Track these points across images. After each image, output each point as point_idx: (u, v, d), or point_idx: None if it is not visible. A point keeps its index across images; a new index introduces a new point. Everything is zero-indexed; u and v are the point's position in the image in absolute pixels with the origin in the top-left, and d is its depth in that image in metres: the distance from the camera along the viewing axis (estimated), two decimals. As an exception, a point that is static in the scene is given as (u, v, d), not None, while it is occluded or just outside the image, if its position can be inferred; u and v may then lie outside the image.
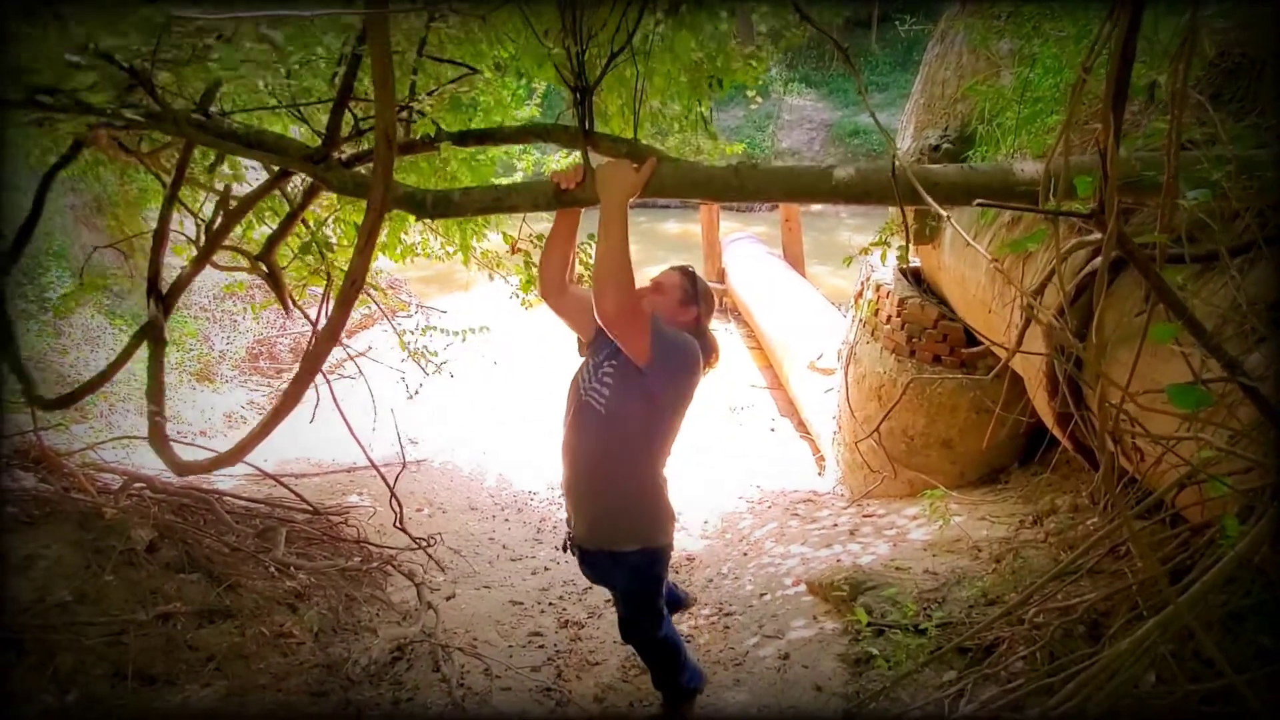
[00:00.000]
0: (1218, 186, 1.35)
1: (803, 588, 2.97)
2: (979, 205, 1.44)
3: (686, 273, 2.05)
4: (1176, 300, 1.18)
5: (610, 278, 1.69)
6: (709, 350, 2.04)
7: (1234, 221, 1.58)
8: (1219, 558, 1.16)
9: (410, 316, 6.13)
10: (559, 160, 3.38)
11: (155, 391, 2.14)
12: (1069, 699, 1.24)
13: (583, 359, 2.02)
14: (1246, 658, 1.25)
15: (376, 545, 3.33)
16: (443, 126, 2.17)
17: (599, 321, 1.77)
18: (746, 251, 8.27)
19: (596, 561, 2.02)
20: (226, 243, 2.49)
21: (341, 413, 3.23)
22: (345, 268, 3.26)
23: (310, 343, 3.21)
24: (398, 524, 3.20)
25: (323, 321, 3.31)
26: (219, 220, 2.37)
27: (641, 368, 1.79)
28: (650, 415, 1.88)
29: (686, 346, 1.88)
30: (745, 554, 3.67)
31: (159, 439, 2.08)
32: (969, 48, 3.10)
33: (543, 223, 2.31)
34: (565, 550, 2.10)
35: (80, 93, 1.55)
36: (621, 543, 1.93)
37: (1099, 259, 1.94)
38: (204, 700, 2.01)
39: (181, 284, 2.34)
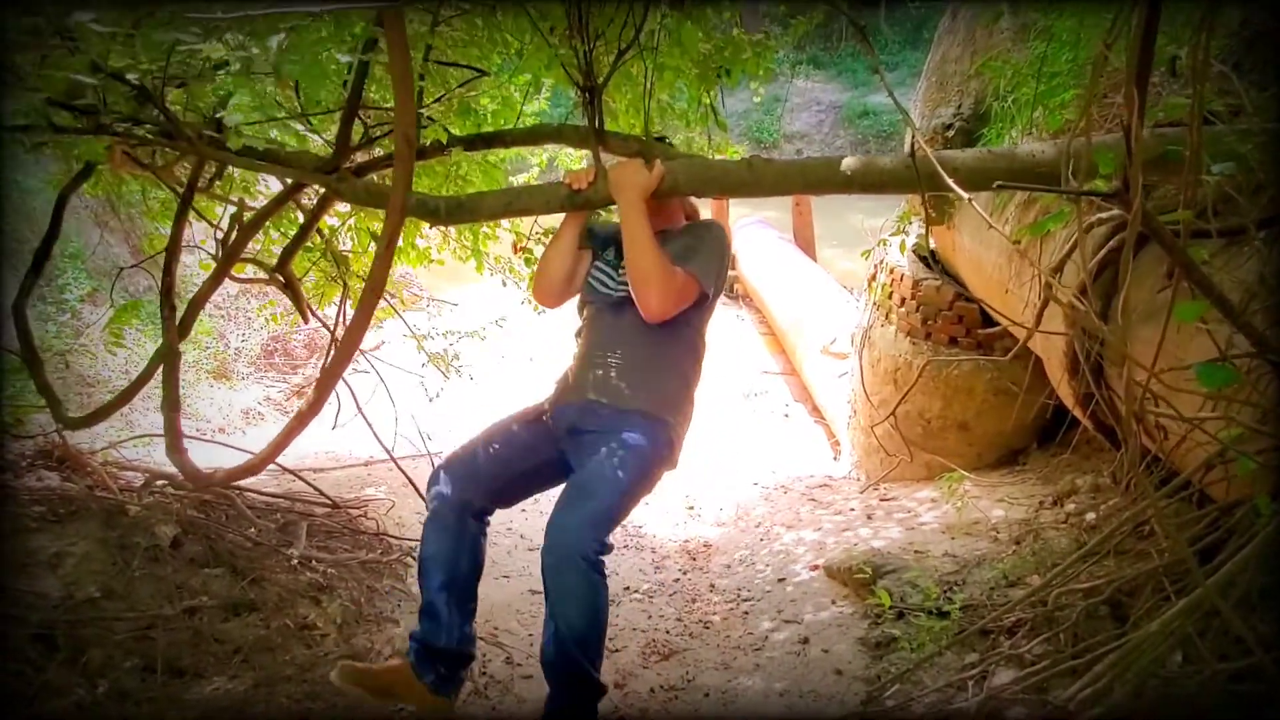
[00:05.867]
0: (1244, 160, 1.32)
1: (820, 572, 2.98)
2: (998, 187, 1.42)
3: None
4: (1204, 277, 1.16)
5: (649, 279, 1.67)
6: None
7: (1258, 194, 1.55)
8: (1250, 537, 1.14)
9: (422, 310, 6.14)
10: (571, 157, 3.38)
11: (171, 401, 2.16)
12: (1095, 681, 1.23)
13: (586, 266, 1.90)
14: (1276, 634, 1.24)
15: (396, 537, 3.36)
16: (453, 131, 2.16)
17: (645, 316, 1.73)
18: (756, 236, 8.22)
19: (593, 423, 1.72)
20: (244, 254, 2.51)
21: (364, 416, 3.27)
22: (360, 273, 3.29)
23: (329, 351, 3.25)
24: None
25: (340, 329, 3.36)
26: (234, 236, 2.38)
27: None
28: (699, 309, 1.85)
29: (716, 243, 1.82)
30: (761, 540, 3.67)
31: (176, 450, 2.11)
32: (982, 24, 3.04)
33: (553, 221, 2.30)
34: (542, 417, 1.80)
35: (93, 113, 1.56)
36: (643, 404, 1.71)
37: (1120, 236, 1.91)
38: (232, 691, 2.05)
39: (199, 301, 2.37)
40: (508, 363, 6.50)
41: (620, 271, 1.83)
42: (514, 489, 1.87)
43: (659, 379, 1.77)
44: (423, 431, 3.79)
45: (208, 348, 5.72)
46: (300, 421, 1.83)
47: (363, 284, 3.47)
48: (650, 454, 1.71)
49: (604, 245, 1.91)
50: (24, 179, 4.44)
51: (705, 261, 1.78)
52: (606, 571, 1.64)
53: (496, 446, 1.80)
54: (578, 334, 1.95)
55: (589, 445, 1.72)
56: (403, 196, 1.56)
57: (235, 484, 3.07)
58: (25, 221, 4.57)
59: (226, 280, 2.64)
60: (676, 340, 1.82)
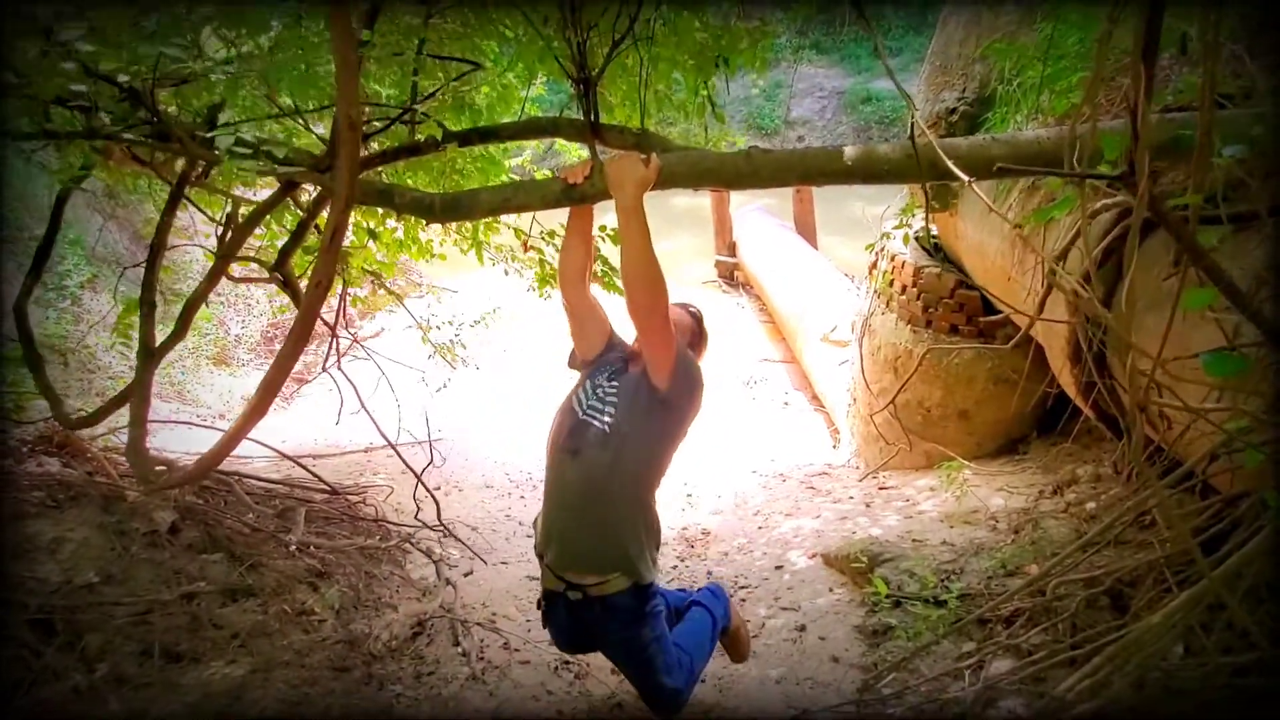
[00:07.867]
0: (1257, 143, 1.29)
1: (818, 560, 2.97)
2: (999, 170, 1.39)
3: (695, 315, 2.05)
4: (1213, 264, 1.14)
5: (640, 276, 1.69)
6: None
7: (1270, 179, 1.52)
8: (1257, 528, 1.12)
9: (421, 298, 6.11)
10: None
11: (138, 408, 2.08)
12: (1094, 672, 1.22)
13: (578, 377, 1.98)
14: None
15: (394, 524, 3.36)
16: (447, 126, 2.13)
17: (631, 320, 1.75)
18: (758, 224, 8.17)
19: (584, 615, 1.85)
20: (244, 250, 2.48)
21: (366, 408, 3.26)
22: (362, 268, 3.28)
23: (329, 349, 3.24)
24: (439, 522, 3.27)
25: (340, 322, 3.34)
26: (229, 235, 2.36)
27: (662, 386, 1.76)
28: (657, 435, 1.82)
29: (700, 374, 1.89)
30: (759, 528, 3.67)
31: (137, 453, 2.04)
32: (988, 6, 2.99)
33: (554, 219, 2.29)
34: (540, 609, 1.94)
35: (87, 110, 1.55)
36: (609, 576, 1.79)
37: (1125, 222, 1.88)
38: (229, 676, 2.05)
39: (196, 300, 2.33)
40: (509, 355, 6.49)
41: (598, 393, 1.85)
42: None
43: (624, 532, 1.80)
44: (416, 419, 3.78)
45: (208, 334, 5.72)
46: (248, 419, 1.73)
47: (363, 275, 3.48)
48: (646, 613, 1.85)
49: (602, 369, 1.93)
50: (23, 165, 4.41)
51: (689, 359, 1.85)
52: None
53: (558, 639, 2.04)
54: (552, 434, 1.94)
55: (603, 645, 1.96)
56: (349, 184, 1.46)
57: (234, 471, 3.07)
58: (26, 209, 4.55)
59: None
60: (625, 498, 1.80)
